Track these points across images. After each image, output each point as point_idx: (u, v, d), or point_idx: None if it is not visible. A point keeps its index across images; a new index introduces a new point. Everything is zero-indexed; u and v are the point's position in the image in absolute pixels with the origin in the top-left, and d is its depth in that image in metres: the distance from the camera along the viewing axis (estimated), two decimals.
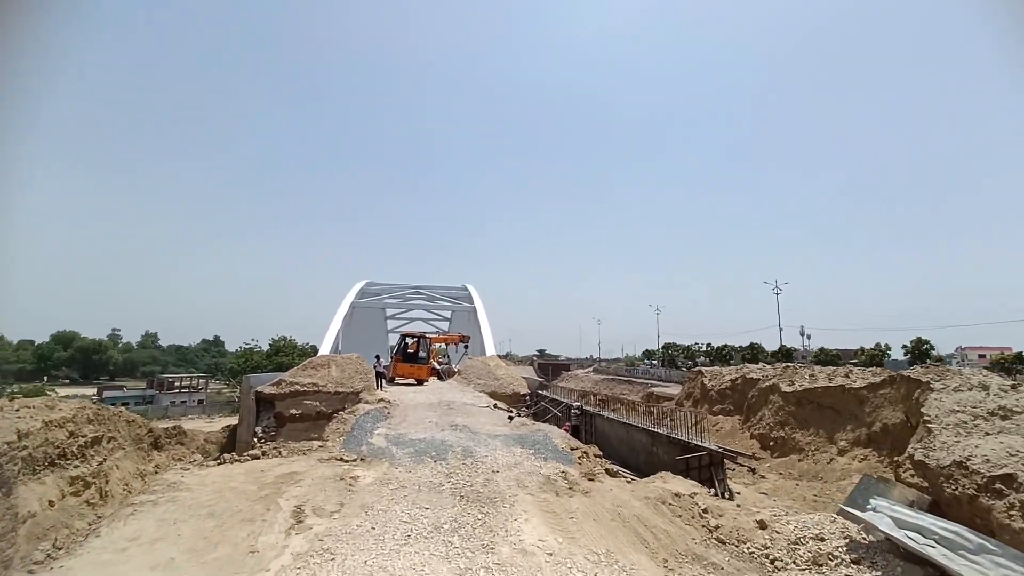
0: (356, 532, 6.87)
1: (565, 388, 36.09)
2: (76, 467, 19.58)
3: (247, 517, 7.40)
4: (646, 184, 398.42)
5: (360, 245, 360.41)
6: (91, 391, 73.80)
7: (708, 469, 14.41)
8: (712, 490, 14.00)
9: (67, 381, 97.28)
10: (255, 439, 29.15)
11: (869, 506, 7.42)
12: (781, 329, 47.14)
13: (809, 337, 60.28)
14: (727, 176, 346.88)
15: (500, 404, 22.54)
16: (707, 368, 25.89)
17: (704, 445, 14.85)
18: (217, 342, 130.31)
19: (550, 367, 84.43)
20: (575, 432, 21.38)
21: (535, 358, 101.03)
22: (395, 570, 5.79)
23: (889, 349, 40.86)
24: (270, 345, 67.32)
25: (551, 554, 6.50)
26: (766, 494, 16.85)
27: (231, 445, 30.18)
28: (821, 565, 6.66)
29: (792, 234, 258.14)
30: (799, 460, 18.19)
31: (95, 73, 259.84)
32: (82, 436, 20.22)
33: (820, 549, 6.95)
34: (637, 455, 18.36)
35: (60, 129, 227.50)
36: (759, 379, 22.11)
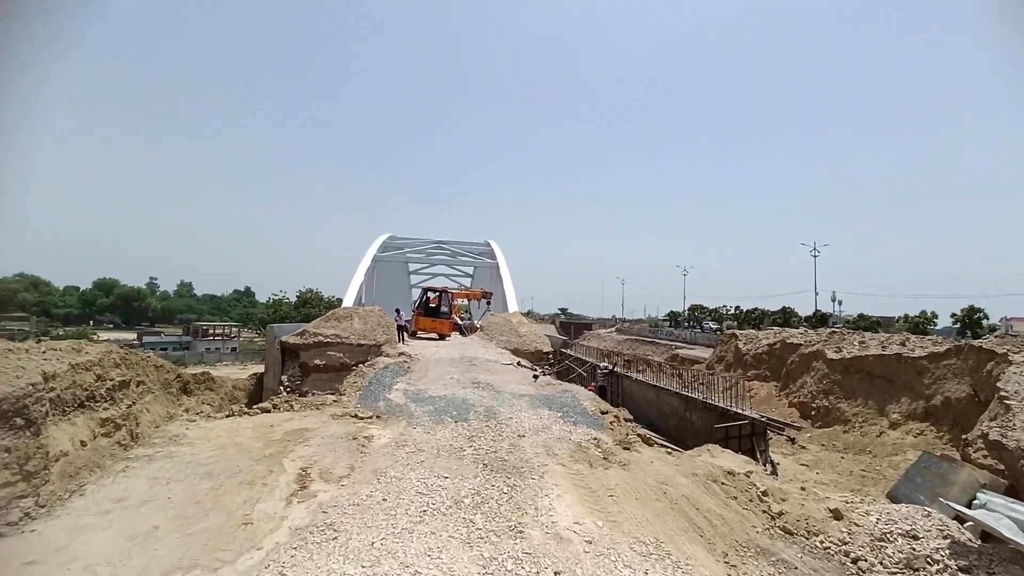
0: (365, 504, 5.95)
1: (589, 347, 35.14)
2: (106, 409, 19.62)
3: (247, 479, 6.57)
4: (677, 140, 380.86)
5: (384, 199, 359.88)
6: (132, 336, 76.92)
7: (749, 439, 13.25)
8: (758, 464, 12.94)
9: (111, 326, 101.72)
10: (281, 387, 29.42)
11: (978, 502, 6.08)
12: (817, 293, 44.50)
13: (840, 303, 57.33)
14: (761, 135, 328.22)
15: (523, 362, 21.64)
16: (741, 331, 24.36)
17: (745, 413, 13.61)
18: (248, 292, 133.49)
19: (572, 326, 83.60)
20: (601, 393, 20.42)
21: (557, 316, 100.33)
22: (406, 556, 4.83)
23: (935, 317, 38.06)
24: (297, 297, 68.09)
25: (590, 542, 5.45)
26: (807, 466, 15.66)
27: (258, 393, 30.57)
28: (917, 570, 5.45)
29: (824, 197, 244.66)
30: (844, 431, 16.84)
31: (130, 30, 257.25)
32: (109, 379, 20.22)
33: (914, 550, 5.71)
34: (668, 420, 17.33)
35: (103, 77, 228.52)
36: (800, 344, 20.49)
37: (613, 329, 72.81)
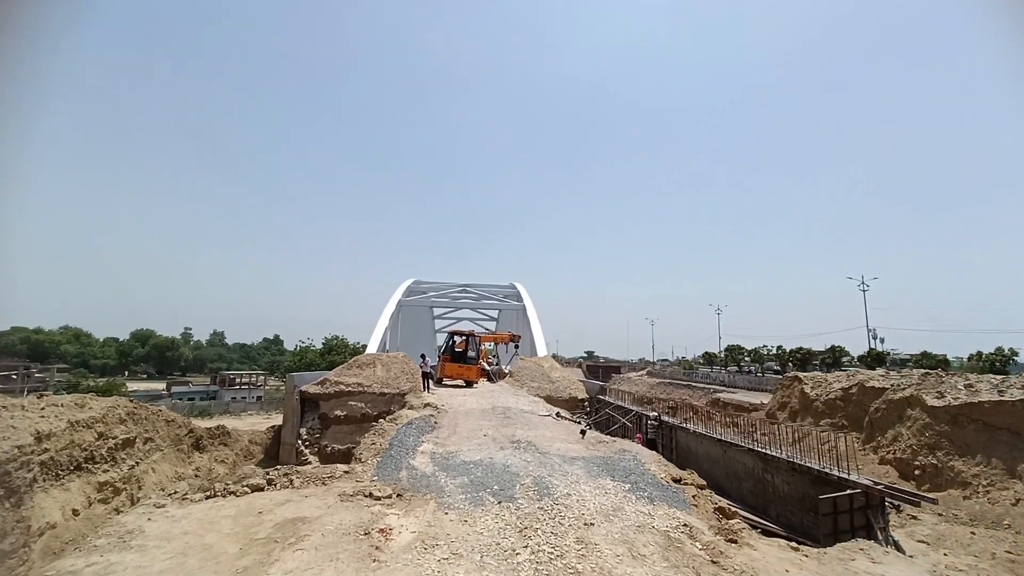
0: None
1: (622, 392, 32.07)
2: (105, 471, 17.39)
3: None
4: (698, 179, 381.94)
5: (408, 246, 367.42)
6: (162, 386, 76.56)
7: (863, 513, 10.30)
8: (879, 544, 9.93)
9: (144, 376, 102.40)
10: (299, 441, 27.09)
11: None
12: (870, 330, 40.42)
13: (883, 340, 52.48)
14: (788, 171, 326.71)
15: (563, 412, 19.05)
16: (806, 374, 21.31)
17: (856, 480, 10.67)
18: (277, 340, 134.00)
19: (600, 369, 79.71)
20: (651, 447, 17.56)
21: (583, 360, 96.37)
22: None
23: (1015, 354, 33.51)
24: (323, 344, 67.09)
25: None
26: (926, 543, 12.37)
27: (276, 446, 28.30)
28: None
29: (869, 228, 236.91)
30: (964, 497, 13.51)
31: (142, 79, 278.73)
32: (112, 437, 18.15)
33: None
34: (740, 483, 14.32)
35: (139, 132, 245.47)
36: (885, 388, 17.34)
37: (644, 372, 68.77)
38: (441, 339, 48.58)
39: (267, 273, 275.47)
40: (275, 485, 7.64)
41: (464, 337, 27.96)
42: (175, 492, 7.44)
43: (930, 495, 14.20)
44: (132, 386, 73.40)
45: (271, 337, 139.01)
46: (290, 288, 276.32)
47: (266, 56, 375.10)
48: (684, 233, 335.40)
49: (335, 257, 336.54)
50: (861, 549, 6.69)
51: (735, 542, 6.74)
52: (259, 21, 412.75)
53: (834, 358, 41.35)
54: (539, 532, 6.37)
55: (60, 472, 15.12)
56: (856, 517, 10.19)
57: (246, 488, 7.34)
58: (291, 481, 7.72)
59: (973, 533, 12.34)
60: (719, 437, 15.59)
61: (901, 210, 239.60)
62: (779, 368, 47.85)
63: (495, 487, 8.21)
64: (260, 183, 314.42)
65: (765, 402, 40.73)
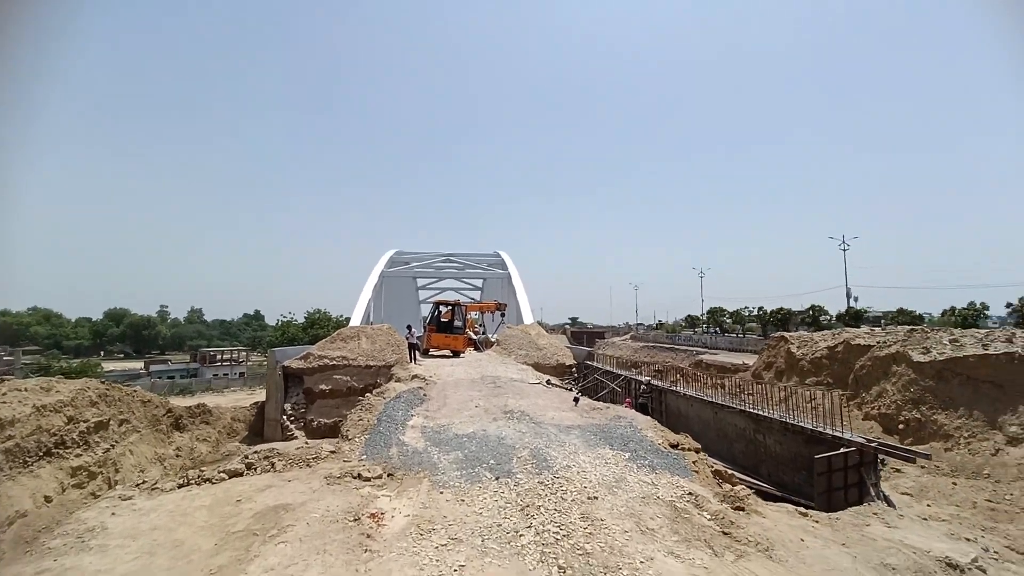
0: None
1: (607, 356, 32.17)
2: (78, 456, 16.49)
3: None
4: (681, 143, 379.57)
5: (389, 215, 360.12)
6: (139, 365, 74.57)
7: (857, 471, 10.31)
8: (870, 502, 9.97)
9: (121, 356, 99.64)
10: (284, 417, 26.52)
11: None
12: (849, 289, 41.11)
13: (856, 299, 53.61)
14: (772, 134, 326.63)
15: (553, 380, 18.84)
16: (792, 333, 21.45)
17: (851, 438, 10.64)
18: (258, 316, 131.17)
19: (584, 335, 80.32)
20: (642, 411, 17.54)
21: (568, 326, 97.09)
22: None
23: (986, 308, 34.56)
24: (305, 318, 65.70)
25: None
26: (910, 495, 12.64)
27: (260, 423, 27.71)
28: None
29: (844, 192, 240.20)
30: (946, 449, 13.80)
31: (133, 59, 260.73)
32: (83, 421, 17.17)
33: None
34: (731, 444, 14.35)
35: (106, 114, 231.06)
36: (871, 346, 17.48)
37: (628, 336, 69.59)
38: (426, 310, 47.87)
39: (246, 249, 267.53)
40: (255, 469, 7.07)
41: (450, 307, 27.35)
42: (143, 482, 6.83)
43: (921, 449, 14.52)
44: (108, 366, 71.22)
45: (252, 313, 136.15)
46: (270, 263, 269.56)
47: (243, 25, 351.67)
48: (668, 200, 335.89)
49: (315, 230, 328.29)
50: (874, 513, 6.54)
51: (742, 509, 6.49)
52: None
53: (813, 317, 42.13)
54: (542, 510, 5.97)
55: (28, 459, 14.25)
56: (850, 475, 10.19)
57: (223, 474, 6.74)
58: (272, 464, 7.15)
59: (955, 484, 12.64)
60: (711, 400, 15.53)
61: (873, 177, 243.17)
62: (761, 330, 48.71)
63: (491, 461, 7.79)
64: (235, 157, 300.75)
65: (748, 363, 41.49)
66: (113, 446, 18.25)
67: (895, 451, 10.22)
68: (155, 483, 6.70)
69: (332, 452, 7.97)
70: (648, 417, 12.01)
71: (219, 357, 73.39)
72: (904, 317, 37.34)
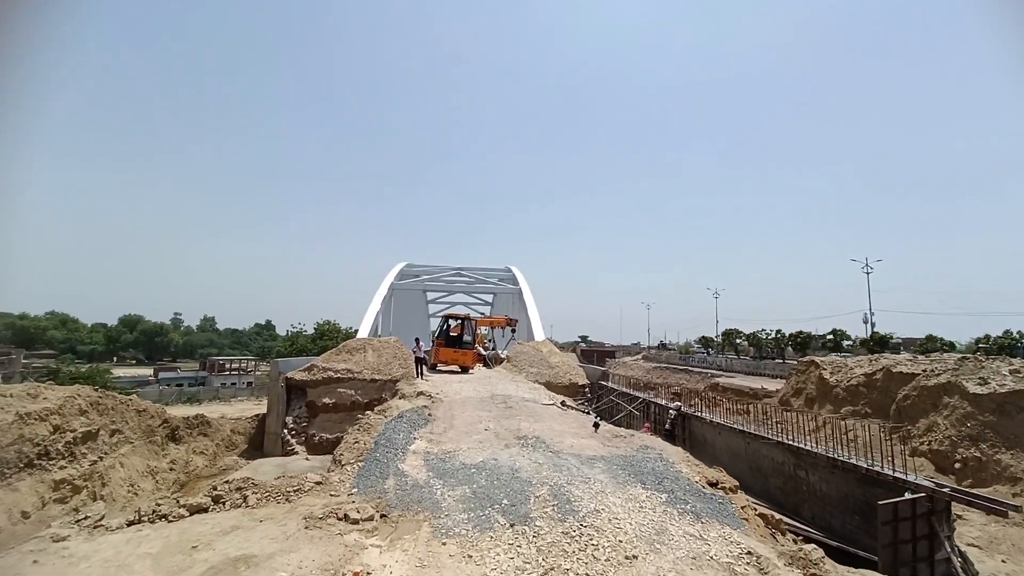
0: None
1: (628, 378, 30.59)
2: (62, 468, 15.39)
3: None
4: (694, 166, 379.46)
5: (400, 230, 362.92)
6: (150, 372, 74.21)
7: (926, 520, 8.80)
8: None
9: (133, 362, 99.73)
10: (285, 430, 25.30)
11: None
12: (872, 313, 39.06)
13: (874, 324, 51.26)
14: (787, 156, 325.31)
15: (568, 401, 17.45)
16: (824, 358, 19.86)
17: (919, 482, 9.13)
18: (269, 326, 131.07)
19: (594, 354, 78.50)
20: (667, 439, 16.06)
21: (578, 344, 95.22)
22: None
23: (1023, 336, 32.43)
24: (315, 329, 64.99)
25: None
26: (978, 547, 10.99)
27: (260, 436, 26.49)
28: None
29: (860, 215, 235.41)
30: (1014, 495, 12.13)
31: (140, 66, 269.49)
32: (71, 431, 16.09)
33: None
34: (766, 479, 12.83)
35: (134, 122, 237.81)
36: (916, 374, 15.89)
37: (640, 356, 67.63)
38: (435, 324, 46.85)
39: (259, 258, 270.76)
40: (223, 504, 5.85)
41: (459, 321, 26.18)
42: (85, 517, 5.60)
43: (988, 493, 12.84)
44: (119, 372, 70.95)
45: (263, 323, 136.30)
46: (282, 274, 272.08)
47: (256, 39, 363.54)
48: (680, 219, 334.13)
49: (328, 242, 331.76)
50: None
51: None
52: (247, 3, 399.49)
53: (835, 342, 40.15)
54: (570, 574, 4.67)
55: (6, 471, 13.15)
56: (919, 525, 8.67)
57: (183, 509, 5.53)
58: (245, 498, 5.93)
59: None
60: (742, 428, 14.03)
61: (892, 198, 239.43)
62: (779, 353, 46.70)
63: (504, 501, 6.50)
64: (251, 168, 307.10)
65: (768, 387, 39.64)
66: (101, 458, 17.14)
67: (976, 501, 8.67)
68: (100, 518, 5.50)
69: (318, 483, 6.73)
70: (679, 448, 10.62)
71: (228, 366, 72.92)
72: (933, 344, 35.12)
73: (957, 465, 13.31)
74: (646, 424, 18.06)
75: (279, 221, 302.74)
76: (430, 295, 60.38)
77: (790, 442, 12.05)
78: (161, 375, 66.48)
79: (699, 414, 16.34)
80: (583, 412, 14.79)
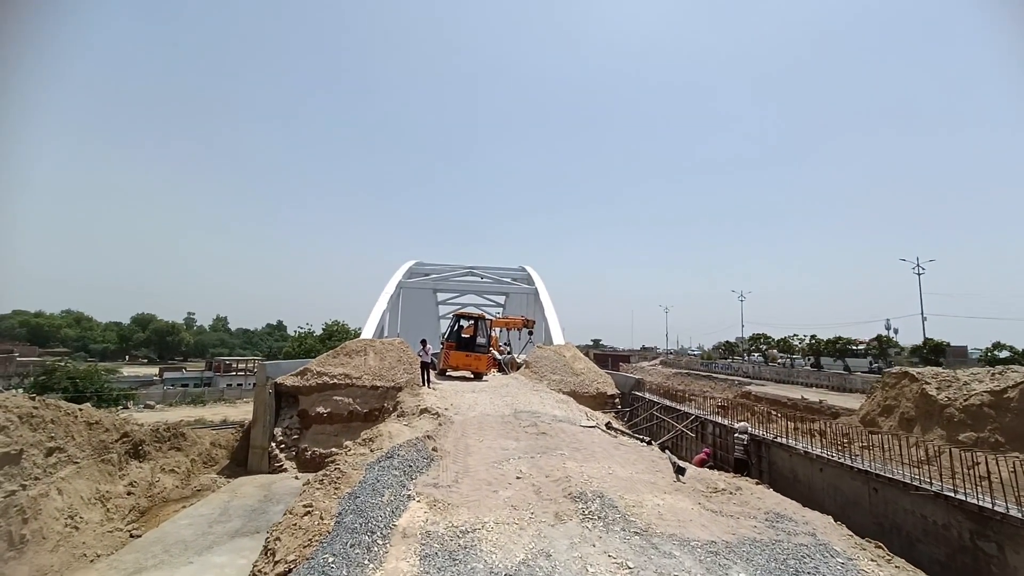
0: None
1: (670, 389, 26.51)
2: None
3: None
4: (712, 169, 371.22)
5: (414, 228, 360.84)
6: (156, 371, 71.36)
7: None
8: None
9: (144, 360, 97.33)
10: (272, 444, 21.50)
11: None
12: (924, 318, 34.48)
13: (896, 331, 46.31)
14: (805, 151, 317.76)
15: (614, 422, 13.51)
16: (924, 370, 15.70)
17: None
18: (280, 326, 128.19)
19: (608, 358, 74.14)
20: (740, 470, 12.02)
21: (590, 348, 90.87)
22: None
23: None
24: (323, 329, 61.71)
25: None
26: None
27: (244, 451, 22.70)
28: None
29: (906, 209, 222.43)
30: None
31: (148, 66, 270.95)
32: None
33: None
34: (912, 545, 8.69)
35: (142, 116, 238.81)
36: None
37: (657, 361, 63.19)
38: (445, 325, 43.00)
39: (274, 259, 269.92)
40: None
41: (472, 321, 22.33)
42: None
43: None
44: (129, 371, 68.12)
45: (274, 323, 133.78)
46: (294, 274, 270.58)
47: (266, 34, 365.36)
48: (698, 223, 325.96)
49: (342, 244, 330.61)
50: None
51: None
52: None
53: (880, 349, 35.60)
54: None
55: None
56: None
57: None
58: None
59: None
60: (860, 467, 9.88)
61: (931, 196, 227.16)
62: (815, 361, 42.22)
63: None
64: (269, 169, 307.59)
65: (807, 397, 35.21)
66: (24, 486, 13.50)
67: None
68: None
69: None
70: (827, 517, 6.57)
71: (234, 366, 69.76)
72: (1000, 350, 30.33)
73: None
74: (705, 450, 14.03)
75: (296, 223, 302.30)
76: (440, 295, 56.60)
77: (963, 497, 7.91)
78: (166, 375, 63.48)
79: (783, 440, 12.21)
80: (641, 441, 10.78)
